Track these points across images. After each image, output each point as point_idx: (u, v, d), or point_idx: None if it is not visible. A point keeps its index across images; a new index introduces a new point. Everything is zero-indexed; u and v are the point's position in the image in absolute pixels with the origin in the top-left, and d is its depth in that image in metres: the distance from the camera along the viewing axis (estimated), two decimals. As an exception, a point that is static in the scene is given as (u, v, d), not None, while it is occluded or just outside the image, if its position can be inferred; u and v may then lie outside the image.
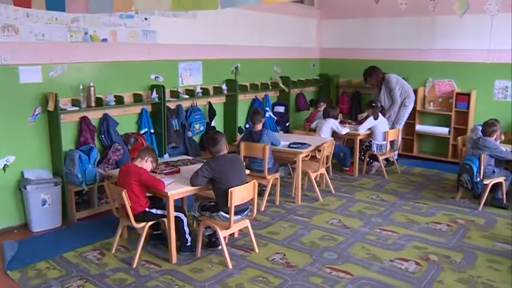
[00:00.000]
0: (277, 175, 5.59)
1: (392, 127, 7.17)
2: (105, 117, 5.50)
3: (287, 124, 8.11)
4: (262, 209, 5.36)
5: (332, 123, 6.67)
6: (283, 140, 5.86)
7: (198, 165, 4.38)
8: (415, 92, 7.61)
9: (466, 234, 4.88)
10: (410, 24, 8.00)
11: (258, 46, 7.63)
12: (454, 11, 6.30)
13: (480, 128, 5.93)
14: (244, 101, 7.44)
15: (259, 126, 5.55)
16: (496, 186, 5.63)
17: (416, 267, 4.13)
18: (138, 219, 4.09)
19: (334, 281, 3.87)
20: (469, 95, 7.52)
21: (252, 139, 5.47)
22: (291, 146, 5.69)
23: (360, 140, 6.91)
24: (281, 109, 8.07)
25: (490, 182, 5.51)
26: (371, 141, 6.90)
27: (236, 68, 7.21)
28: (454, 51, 7.71)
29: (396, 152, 7.39)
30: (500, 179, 5.58)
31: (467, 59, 7.61)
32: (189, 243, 4.31)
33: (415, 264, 4.18)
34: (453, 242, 4.67)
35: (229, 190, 3.93)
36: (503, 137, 5.99)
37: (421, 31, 7.93)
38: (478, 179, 5.47)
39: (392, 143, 7.06)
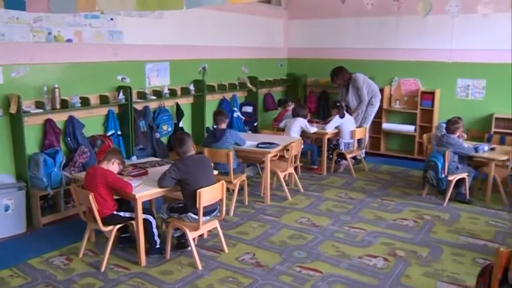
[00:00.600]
0: (244, 176, 5.59)
1: (360, 126, 7.27)
2: (71, 119, 5.38)
3: (255, 124, 8.13)
4: (232, 213, 5.34)
5: (301, 122, 6.73)
6: (251, 140, 5.87)
7: (166, 167, 4.34)
8: (382, 91, 7.74)
9: (432, 229, 4.99)
10: (376, 24, 8.14)
11: (225, 46, 7.62)
12: (418, 12, 6.45)
13: (444, 125, 6.07)
14: (212, 101, 7.41)
15: (222, 126, 5.54)
16: (460, 182, 5.77)
17: (384, 263, 4.20)
18: (105, 223, 4.03)
19: (304, 279, 3.90)
20: (433, 93, 7.70)
21: (215, 138, 5.44)
22: (259, 146, 5.71)
23: (328, 139, 6.99)
24: (249, 109, 8.08)
25: (454, 177, 5.65)
26: (338, 139, 6.98)
27: (204, 68, 7.18)
28: (419, 50, 7.88)
29: (364, 150, 7.50)
30: (464, 175, 5.72)
31: (431, 58, 7.80)
32: (158, 246, 4.27)
33: (383, 260, 4.25)
34: (419, 237, 4.77)
35: (198, 191, 3.91)
36: (465, 136, 6.16)
37: (387, 31, 8.08)
38: (443, 175, 5.60)
39: (359, 141, 7.16)
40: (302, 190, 6.19)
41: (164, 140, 6.63)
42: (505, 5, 6.14)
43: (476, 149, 5.82)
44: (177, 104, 6.82)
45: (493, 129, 7.09)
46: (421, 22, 7.31)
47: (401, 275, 3.98)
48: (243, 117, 7.95)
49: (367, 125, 7.43)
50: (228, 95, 7.77)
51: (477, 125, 7.49)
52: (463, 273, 3.99)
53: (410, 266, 4.15)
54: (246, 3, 7.55)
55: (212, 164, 4.49)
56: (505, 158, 5.72)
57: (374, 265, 4.16)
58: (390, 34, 8.05)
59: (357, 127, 7.10)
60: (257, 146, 5.71)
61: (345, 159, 7.01)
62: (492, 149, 5.96)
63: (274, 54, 8.96)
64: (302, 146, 6.21)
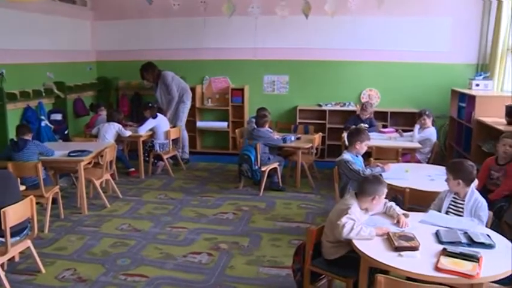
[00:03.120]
0: (57, 188, 5.14)
1: (174, 125, 7.27)
2: None
3: (66, 132, 7.52)
4: (47, 229, 4.85)
5: (116, 127, 6.48)
6: (63, 149, 5.44)
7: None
8: (194, 90, 7.87)
9: (251, 219, 5.21)
10: (184, 25, 8.21)
11: (26, 50, 6.82)
12: (223, 12, 6.68)
13: (254, 120, 6.40)
14: (14, 110, 6.58)
15: (25, 137, 5.02)
16: (273, 172, 6.15)
17: (209, 258, 4.24)
18: None
19: (130, 286, 3.73)
20: (242, 90, 8.08)
21: (17, 148, 4.90)
22: (71, 154, 5.30)
23: (143, 141, 6.82)
24: (58, 116, 7.43)
25: (266, 168, 5.99)
26: (153, 141, 6.87)
27: (1, 74, 6.34)
28: (227, 49, 8.18)
29: (186, 149, 7.58)
30: (275, 165, 6.11)
31: (238, 56, 8.16)
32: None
33: (207, 255, 4.29)
34: (240, 229, 4.93)
35: (1, 211, 3.44)
36: (276, 135, 6.52)
37: (195, 31, 8.20)
38: (256, 167, 5.90)
39: (175, 140, 7.15)
40: (121, 196, 5.94)
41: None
42: (298, 9, 6.72)
43: (284, 140, 6.26)
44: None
45: (298, 120, 7.75)
46: (227, 22, 7.57)
47: (226, 267, 4.07)
48: (52, 126, 7.26)
49: (182, 123, 7.47)
50: (33, 103, 6.97)
51: (284, 117, 8.10)
52: (281, 256, 4.24)
53: (234, 257, 4.26)
54: (44, 2, 6.93)
55: (18, 179, 4.00)
56: (309, 145, 6.29)
57: (199, 261, 4.17)
58: (199, 34, 8.18)
59: (171, 127, 7.08)
60: (68, 155, 5.30)
61: (162, 160, 6.93)
62: (298, 139, 6.50)
63: (82, 58, 8.39)
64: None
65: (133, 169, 6.94)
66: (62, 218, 5.24)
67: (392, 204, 3.29)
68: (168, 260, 4.20)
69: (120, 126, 6.56)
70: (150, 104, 6.89)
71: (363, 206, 3.12)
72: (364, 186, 3.13)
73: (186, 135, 7.72)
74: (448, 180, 3.39)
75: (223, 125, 8.23)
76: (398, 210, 3.22)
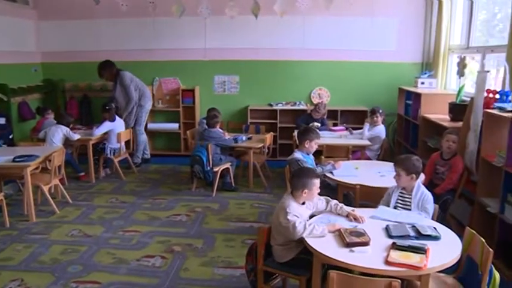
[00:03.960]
0: (1, 195, 4.97)
1: (130, 127, 7.19)
2: None
3: (10, 136, 7.25)
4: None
5: (64, 130, 6.32)
6: (7, 155, 5.27)
7: None
8: (144, 91, 7.80)
9: (204, 220, 5.23)
10: (133, 25, 8.08)
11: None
12: (173, 13, 6.65)
13: (205, 121, 6.42)
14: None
15: None
16: (225, 172, 6.18)
17: (162, 260, 4.23)
18: None
19: (81, 294, 3.67)
20: (193, 91, 8.06)
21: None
22: (16, 160, 5.14)
23: (93, 144, 6.69)
24: (1, 121, 7.16)
25: (219, 168, 6.01)
26: (105, 143, 6.76)
27: None
28: (177, 50, 8.14)
29: (147, 151, 7.50)
30: (227, 165, 6.14)
31: (188, 57, 8.13)
32: None
33: (160, 258, 4.27)
34: (193, 230, 4.94)
35: None
36: (227, 135, 6.54)
37: (144, 32, 8.08)
38: (208, 168, 5.92)
39: (126, 143, 7.05)
40: (71, 201, 5.80)
41: None
42: (248, 9, 6.78)
43: (235, 140, 6.30)
44: None
45: (249, 120, 7.81)
46: (177, 23, 7.52)
47: (180, 269, 4.07)
48: (-5, 131, 7.02)
49: (141, 127, 7.41)
50: (-27, 107, 6.73)
51: (235, 117, 8.15)
52: (235, 256, 4.28)
53: (188, 259, 4.27)
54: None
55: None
56: (260, 145, 6.36)
57: (153, 265, 4.15)
58: (149, 35, 8.07)
59: (128, 128, 7.00)
60: (13, 161, 5.13)
61: (113, 163, 6.83)
62: (249, 138, 6.56)
63: (26, 59, 8.09)
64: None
65: (83, 173, 6.79)
66: (7, 226, 5.05)
67: (337, 202, 3.38)
68: (121, 264, 4.15)
69: (68, 129, 6.40)
70: (107, 107, 6.76)
71: (299, 200, 3.17)
72: (293, 181, 3.21)
73: (143, 138, 7.59)
74: (400, 176, 3.50)
75: (174, 126, 8.18)
76: (346, 208, 3.32)
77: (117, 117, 6.84)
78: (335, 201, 3.40)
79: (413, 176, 3.48)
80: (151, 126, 8.22)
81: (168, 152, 8.31)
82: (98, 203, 5.83)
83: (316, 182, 3.20)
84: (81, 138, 6.54)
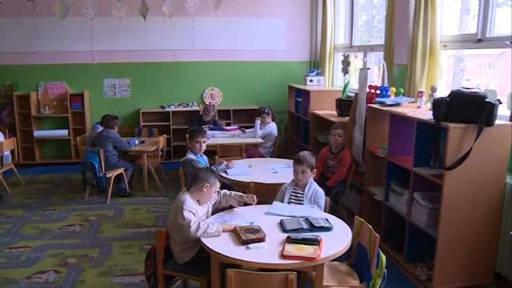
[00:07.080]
0: None
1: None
2: None
3: None
4: None
5: None
6: None
7: None
8: (28, 97, 7.36)
9: (99, 228, 5.06)
10: (12, 25, 7.51)
11: None
12: (55, 13, 6.32)
13: (99, 125, 6.22)
14: None
15: None
16: (119, 177, 6.02)
17: (56, 275, 4.02)
18: None
19: (-37, 320, 3.39)
20: (82, 95, 7.72)
21: None
22: None
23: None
24: None
25: (112, 174, 5.84)
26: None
27: None
28: (62, 53, 7.73)
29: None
30: (121, 170, 5.99)
31: (75, 60, 7.77)
32: None
33: (54, 273, 4.06)
34: (88, 240, 4.76)
35: None
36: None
37: (25, 33, 7.54)
38: (101, 174, 5.72)
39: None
40: None
41: None
42: (136, 10, 6.63)
43: (128, 144, 6.16)
44: None
45: (142, 123, 7.67)
46: (62, 24, 7.12)
47: (76, 282, 3.90)
48: None
49: None
50: None
51: (127, 121, 7.95)
52: (134, 263, 4.20)
53: (84, 270, 4.10)
54: None
55: None
56: (154, 148, 6.30)
57: (45, 281, 3.92)
58: (30, 36, 7.56)
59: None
60: None
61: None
62: (142, 142, 6.45)
63: None
64: None
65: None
66: None
67: (226, 191, 3.51)
68: (10, 284, 3.87)
69: None
70: None
71: (196, 196, 3.21)
72: (196, 175, 3.26)
73: None
74: (305, 173, 3.63)
75: (63, 133, 7.77)
76: (236, 193, 3.49)
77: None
78: (225, 190, 3.52)
79: (315, 170, 3.68)
80: (38, 133, 7.72)
81: (57, 160, 7.88)
82: (-21, 220, 5.39)
83: (218, 183, 3.29)
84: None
